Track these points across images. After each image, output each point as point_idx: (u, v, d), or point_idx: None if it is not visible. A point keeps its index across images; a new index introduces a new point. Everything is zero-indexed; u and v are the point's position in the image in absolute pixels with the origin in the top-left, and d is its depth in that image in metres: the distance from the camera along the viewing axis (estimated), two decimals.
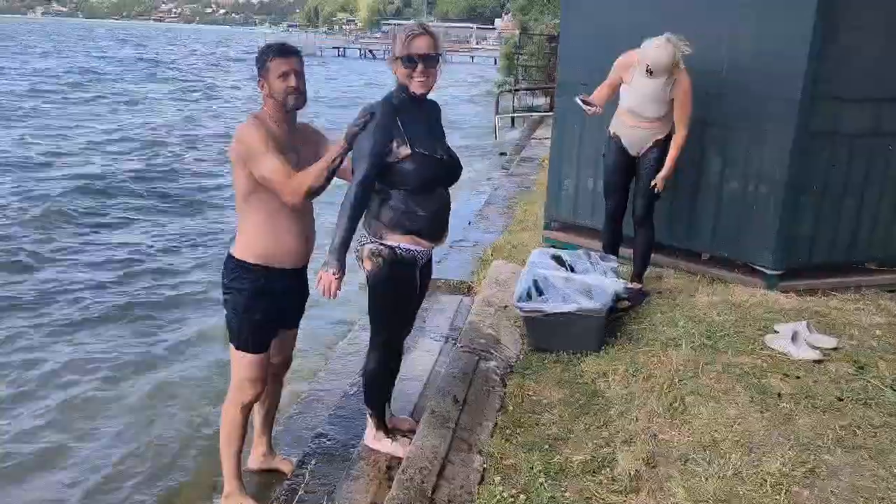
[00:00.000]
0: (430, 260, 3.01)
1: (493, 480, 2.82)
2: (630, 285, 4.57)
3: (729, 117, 4.60)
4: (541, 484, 2.77)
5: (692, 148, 4.70)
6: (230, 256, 2.81)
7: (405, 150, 2.68)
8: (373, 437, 3.15)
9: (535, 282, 4.04)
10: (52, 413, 4.36)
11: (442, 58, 2.73)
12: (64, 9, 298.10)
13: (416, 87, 2.70)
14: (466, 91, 30.35)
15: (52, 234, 8.20)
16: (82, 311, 6.01)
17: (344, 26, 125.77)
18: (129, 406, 4.44)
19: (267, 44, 2.72)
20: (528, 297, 3.96)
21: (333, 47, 68.28)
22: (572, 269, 4.29)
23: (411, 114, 2.72)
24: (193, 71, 37.43)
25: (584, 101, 4.27)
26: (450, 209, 2.91)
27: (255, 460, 3.32)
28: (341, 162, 2.67)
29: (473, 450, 3.01)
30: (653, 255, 5.00)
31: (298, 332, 3.22)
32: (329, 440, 3.46)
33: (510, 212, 7.66)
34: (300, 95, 2.68)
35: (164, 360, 5.14)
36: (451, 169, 2.84)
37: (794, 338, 3.65)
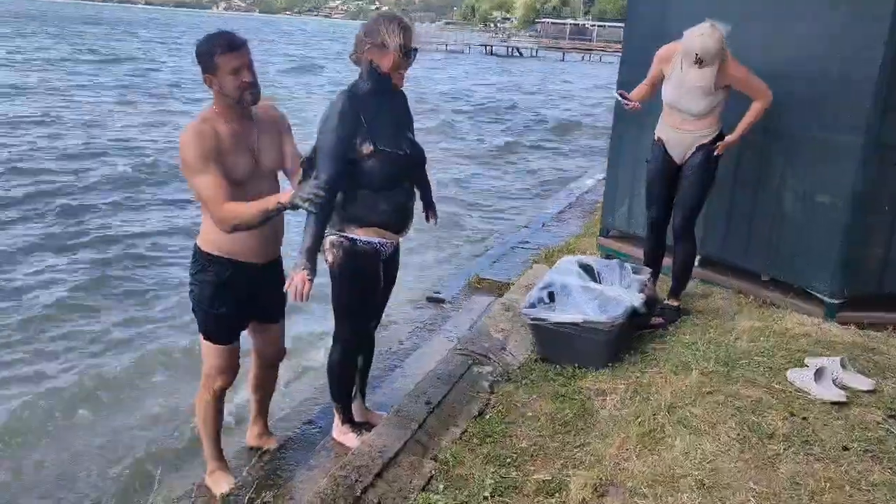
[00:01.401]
0: (396, 251, 2.97)
1: (437, 488, 2.74)
2: (667, 302, 4.28)
3: (791, 126, 4.15)
4: (485, 498, 2.66)
5: (750, 157, 4.32)
6: (196, 247, 2.72)
7: (368, 148, 2.64)
8: (338, 431, 3.16)
9: (551, 287, 3.88)
10: (47, 388, 4.45)
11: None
12: (242, 4, 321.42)
13: (399, 80, 2.70)
14: (604, 90, 29.58)
15: None
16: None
17: (499, 24, 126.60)
18: (120, 385, 4.50)
19: (210, 37, 2.48)
20: (538, 304, 3.80)
21: (481, 44, 68.79)
22: (599, 280, 4.08)
23: (377, 104, 2.67)
24: None
25: (622, 96, 4.05)
26: (414, 200, 2.87)
27: (250, 438, 3.42)
28: (278, 213, 2.51)
29: (428, 454, 2.94)
30: (705, 272, 4.66)
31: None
32: (314, 427, 3.52)
33: (589, 216, 7.40)
34: (256, 89, 2.51)
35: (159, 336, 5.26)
36: (414, 163, 2.80)
37: (820, 374, 3.24)
